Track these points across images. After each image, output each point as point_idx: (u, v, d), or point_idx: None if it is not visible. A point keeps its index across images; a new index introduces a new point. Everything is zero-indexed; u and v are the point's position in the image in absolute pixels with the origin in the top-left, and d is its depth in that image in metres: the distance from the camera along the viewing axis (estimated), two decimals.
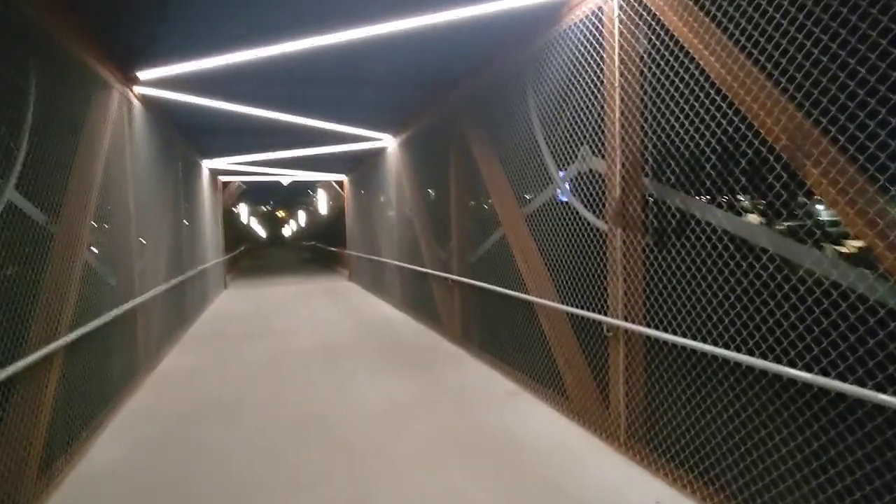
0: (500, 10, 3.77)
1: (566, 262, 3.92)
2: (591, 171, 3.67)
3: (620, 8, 3.14)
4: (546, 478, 3.00)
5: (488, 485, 2.94)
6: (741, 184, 2.50)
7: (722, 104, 2.46)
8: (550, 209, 4.25)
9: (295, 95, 6.06)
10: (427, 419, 3.99)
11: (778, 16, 2.14)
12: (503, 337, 5.26)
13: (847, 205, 1.92)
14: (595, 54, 3.42)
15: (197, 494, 2.99)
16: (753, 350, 2.34)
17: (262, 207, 43.90)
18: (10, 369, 2.65)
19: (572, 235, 3.85)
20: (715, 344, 2.52)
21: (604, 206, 3.44)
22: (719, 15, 2.46)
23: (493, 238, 5.33)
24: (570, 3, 3.65)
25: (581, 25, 3.55)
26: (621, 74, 3.17)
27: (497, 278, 5.07)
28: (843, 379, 1.96)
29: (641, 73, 3.12)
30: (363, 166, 11.90)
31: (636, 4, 3.03)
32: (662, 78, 2.89)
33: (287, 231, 45.88)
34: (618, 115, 3.22)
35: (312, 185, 19.70)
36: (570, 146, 3.81)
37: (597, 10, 3.37)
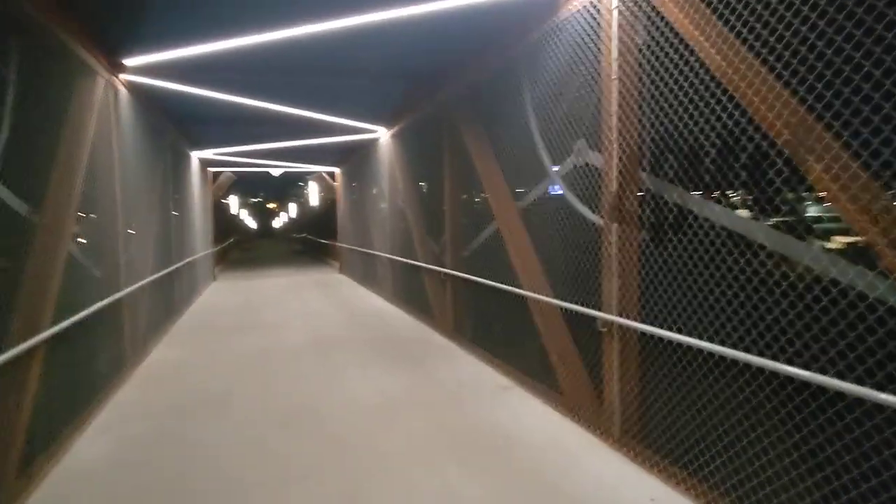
0: (495, 0, 3.70)
1: (560, 256, 3.88)
2: (587, 164, 3.63)
3: None
4: (541, 474, 2.97)
5: (482, 481, 2.91)
6: (740, 179, 2.46)
7: (722, 97, 2.42)
8: (545, 203, 4.21)
9: (286, 85, 5.95)
10: (419, 413, 3.95)
11: (781, 7, 2.09)
12: (495, 331, 5.23)
13: (849, 201, 1.89)
14: (592, 46, 3.37)
15: (183, 490, 2.94)
16: (750, 347, 2.32)
17: (253, 199, 43.52)
18: None
19: (567, 230, 3.81)
20: (710, 340, 2.50)
21: (599, 200, 3.40)
22: (720, 6, 2.41)
23: (487, 232, 5.28)
24: None
25: (578, 16, 3.48)
26: (619, 66, 3.11)
27: (490, 272, 5.02)
28: (842, 377, 1.94)
29: (640, 65, 3.06)
30: (355, 158, 11.79)
31: None
32: (661, 70, 2.84)
33: (278, 223, 45.54)
34: (615, 107, 3.17)
35: (304, 177, 19.51)
36: (567, 140, 3.76)
37: (594, 1, 3.31)
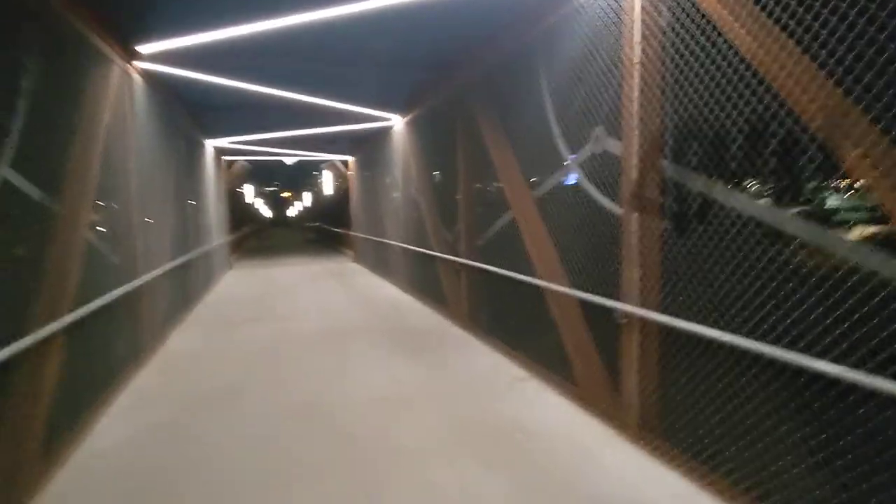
0: None
1: (577, 246, 3.81)
2: (605, 152, 3.53)
3: None
4: (560, 469, 2.93)
5: (501, 477, 2.88)
6: (769, 167, 2.37)
7: (752, 80, 2.32)
8: (562, 192, 4.12)
9: (300, 72, 5.90)
10: (435, 405, 3.93)
11: None
12: (511, 321, 5.18)
13: (890, 189, 1.79)
14: (613, 28, 3.26)
15: (198, 473, 2.96)
16: (778, 340, 2.24)
17: (268, 188, 43.76)
18: (11, 349, 2.59)
19: (584, 219, 3.72)
20: (737, 333, 2.42)
21: (619, 189, 3.31)
22: None
23: (502, 221, 5.21)
24: None
25: None
26: (642, 50, 3.01)
27: (505, 262, 4.96)
28: (877, 373, 1.86)
29: (663, 48, 2.95)
30: (369, 146, 11.73)
31: None
32: (686, 53, 2.73)
33: (292, 212, 45.79)
34: (636, 93, 3.07)
35: (318, 166, 19.52)
36: (585, 127, 3.67)
37: None
